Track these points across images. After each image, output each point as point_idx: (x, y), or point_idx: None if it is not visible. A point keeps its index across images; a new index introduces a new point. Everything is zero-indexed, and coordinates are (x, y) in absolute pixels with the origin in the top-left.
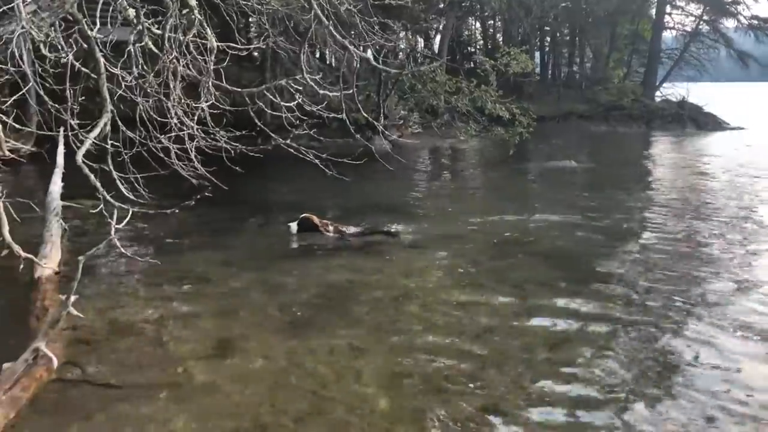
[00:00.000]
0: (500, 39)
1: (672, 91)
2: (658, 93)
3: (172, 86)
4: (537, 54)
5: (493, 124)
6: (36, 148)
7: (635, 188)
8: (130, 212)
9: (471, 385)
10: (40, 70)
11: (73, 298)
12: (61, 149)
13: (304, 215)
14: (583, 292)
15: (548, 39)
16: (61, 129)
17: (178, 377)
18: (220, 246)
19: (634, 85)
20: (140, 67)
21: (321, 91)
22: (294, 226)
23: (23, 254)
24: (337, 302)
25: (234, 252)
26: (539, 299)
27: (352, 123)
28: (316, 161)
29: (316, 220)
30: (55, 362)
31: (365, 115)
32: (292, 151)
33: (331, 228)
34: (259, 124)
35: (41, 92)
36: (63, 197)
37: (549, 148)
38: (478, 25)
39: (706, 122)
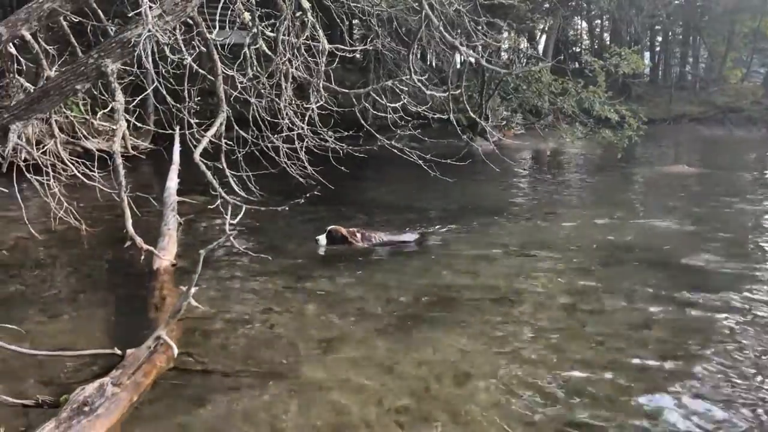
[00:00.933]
0: (607, 38)
1: None
2: None
3: (283, 87)
4: (647, 54)
5: (600, 126)
6: (153, 146)
7: (756, 196)
8: (243, 208)
9: (583, 396)
10: (163, 71)
11: (193, 289)
12: (177, 147)
13: (332, 227)
14: (699, 303)
15: (659, 38)
16: (177, 128)
17: (286, 370)
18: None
19: (754, 86)
20: (254, 69)
21: (428, 92)
22: (323, 239)
23: (145, 246)
24: (440, 303)
25: (335, 249)
26: (652, 308)
27: (454, 124)
28: (420, 162)
29: (344, 231)
30: (176, 351)
31: (472, 115)
32: (395, 151)
33: (358, 236)
34: (365, 124)
35: (164, 92)
36: (178, 193)
37: (659, 151)
38: (584, 24)
39: None
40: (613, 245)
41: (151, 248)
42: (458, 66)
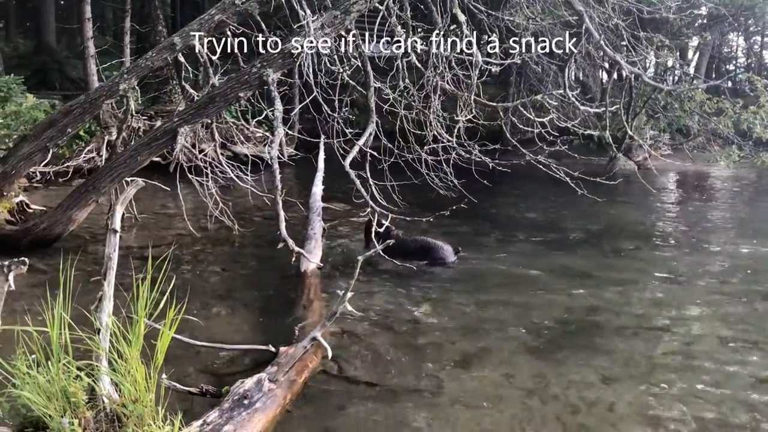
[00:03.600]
0: (766, 56)
1: None
2: None
3: (432, 99)
4: None
5: (760, 150)
6: (296, 152)
7: None
8: (389, 217)
9: None
10: (320, 81)
11: (349, 294)
12: (321, 154)
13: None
14: None
15: None
16: (322, 136)
17: (429, 384)
18: (462, 258)
19: None
20: (405, 81)
21: (582, 107)
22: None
23: (296, 249)
24: (583, 327)
25: (475, 265)
26: None
27: (596, 141)
28: (566, 179)
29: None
30: (330, 353)
31: (629, 132)
32: (540, 167)
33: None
34: (510, 138)
35: (320, 102)
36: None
37: None
38: (740, 41)
39: None
40: None
41: (302, 251)
42: (601, 80)
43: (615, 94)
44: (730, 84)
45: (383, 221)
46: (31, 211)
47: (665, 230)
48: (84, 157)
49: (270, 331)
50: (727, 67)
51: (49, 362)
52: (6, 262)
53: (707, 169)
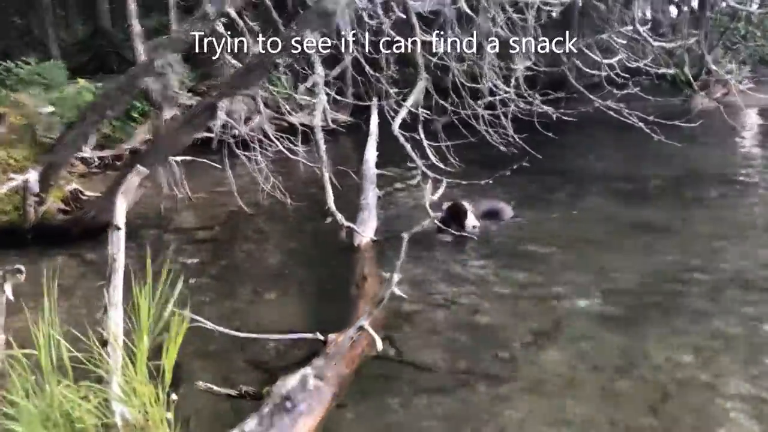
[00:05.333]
0: None
1: None
2: None
3: (485, 49)
4: None
5: None
6: (351, 119)
7: None
8: (444, 183)
9: None
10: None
11: (396, 277)
12: (374, 118)
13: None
14: None
15: None
16: (375, 98)
17: (495, 369)
18: (529, 219)
19: None
20: (454, 31)
21: (655, 43)
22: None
23: (345, 223)
24: (671, 292)
25: (547, 226)
26: None
27: (669, 81)
28: (640, 124)
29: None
30: (380, 344)
31: (708, 66)
32: (610, 113)
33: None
34: (575, 83)
35: (362, 61)
36: (375, 166)
37: None
38: None
39: None
40: None
41: (352, 225)
42: (672, 16)
43: (688, 27)
44: None
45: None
46: (85, 198)
47: (753, 174)
48: (139, 139)
49: (322, 316)
50: None
51: (48, 384)
52: (0, 272)
53: None
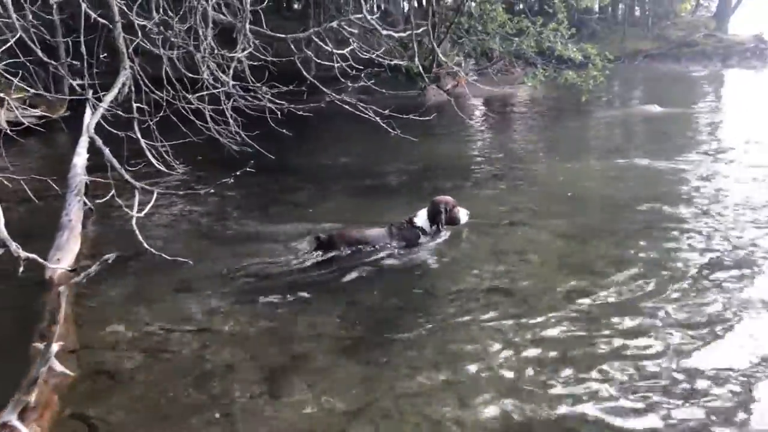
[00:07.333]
0: None
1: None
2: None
3: (201, 34)
4: None
5: (561, 68)
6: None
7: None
8: (155, 195)
9: None
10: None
11: (55, 346)
12: (88, 114)
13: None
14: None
15: None
16: (90, 91)
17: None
18: (264, 232)
19: (706, 18)
20: (161, 11)
21: (384, 32)
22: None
23: (22, 254)
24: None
25: (283, 230)
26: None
27: (405, 73)
28: (376, 119)
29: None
30: None
31: (444, 60)
32: (346, 107)
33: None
34: (308, 76)
35: (35, 47)
36: (93, 168)
37: (622, 91)
38: None
39: None
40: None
41: (33, 255)
42: (403, 8)
43: (418, 19)
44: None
45: None
46: None
47: (486, 162)
48: None
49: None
50: None
51: None
52: None
53: (515, 91)
